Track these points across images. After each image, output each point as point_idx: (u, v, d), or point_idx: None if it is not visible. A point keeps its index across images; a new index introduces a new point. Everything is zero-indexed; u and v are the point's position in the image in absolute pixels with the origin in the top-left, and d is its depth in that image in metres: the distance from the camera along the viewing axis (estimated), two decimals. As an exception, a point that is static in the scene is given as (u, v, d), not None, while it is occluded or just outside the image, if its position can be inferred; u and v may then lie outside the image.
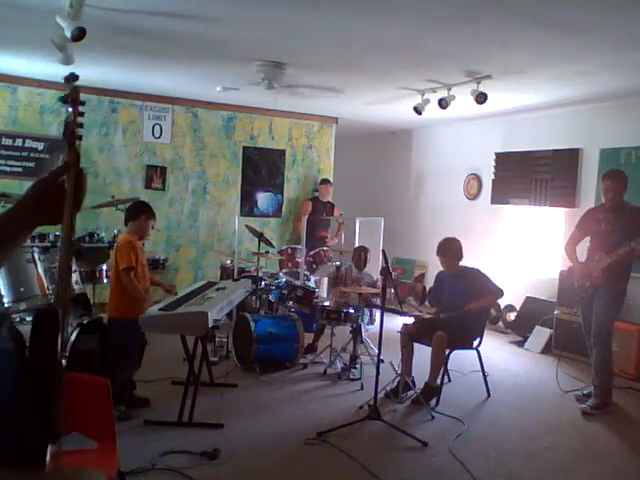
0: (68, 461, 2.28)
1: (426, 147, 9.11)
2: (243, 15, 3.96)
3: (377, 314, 6.05)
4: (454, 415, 4.26)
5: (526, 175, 7.13)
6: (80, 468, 1.79)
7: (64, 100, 1.37)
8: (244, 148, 7.99)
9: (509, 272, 7.23)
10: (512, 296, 6.98)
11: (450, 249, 4.82)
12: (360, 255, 6.04)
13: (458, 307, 4.60)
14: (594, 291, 4.49)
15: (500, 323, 7.22)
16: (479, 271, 4.82)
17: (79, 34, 3.49)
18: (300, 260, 6.83)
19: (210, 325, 3.69)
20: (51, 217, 1.31)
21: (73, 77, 1.41)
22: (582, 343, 4.92)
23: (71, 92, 1.37)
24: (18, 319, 3.70)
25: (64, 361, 3.84)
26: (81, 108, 1.38)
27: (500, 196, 7.57)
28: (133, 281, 3.99)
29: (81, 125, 1.37)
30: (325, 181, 8.15)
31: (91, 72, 6.09)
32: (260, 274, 5.71)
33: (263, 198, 8.19)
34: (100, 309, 5.82)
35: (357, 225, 7.74)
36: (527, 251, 7.29)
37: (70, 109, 1.36)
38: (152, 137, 7.41)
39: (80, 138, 1.36)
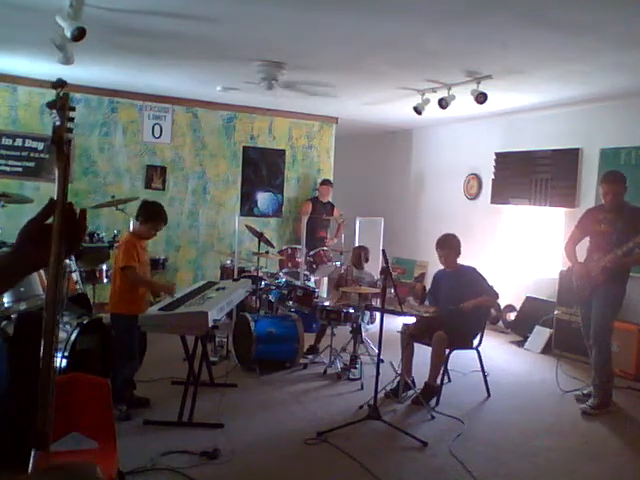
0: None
1: (426, 147, 9.11)
2: (243, 15, 3.96)
3: (377, 314, 6.05)
4: (454, 415, 4.26)
5: (526, 175, 7.13)
6: (70, 463, 1.77)
7: (51, 106, 1.33)
8: (244, 148, 7.99)
9: (509, 272, 7.23)
10: (512, 296, 6.99)
11: (449, 243, 4.85)
12: (359, 254, 6.05)
13: (455, 304, 4.61)
14: (593, 291, 4.49)
15: (500, 323, 7.22)
16: (475, 270, 4.83)
17: (79, 34, 3.48)
18: (300, 260, 6.83)
19: (210, 325, 3.70)
20: (44, 261, 1.24)
21: (61, 83, 1.37)
22: (582, 343, 4.92)
23: (60, 99, 1.33)
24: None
25: (64, 361, 3.82)
26: (74, 112, 1.35)
27: (500, 196, 7.57)
28: (136, 275, 4.02)
29: (70, 130, 1.34)
30: (326, 182, 8.15)
31: (91, 72, 6.09)
32: (260, 274, 5.71)
33: (263, 198, 8.18)
34: (100, 309, 5.82)
35: (357, 225, 7.75)
36: (527, 251, 7.29)
37: (58, 115, 1.32)
38: (152, 137, 7.41)
39: (69, 143, 1.32)
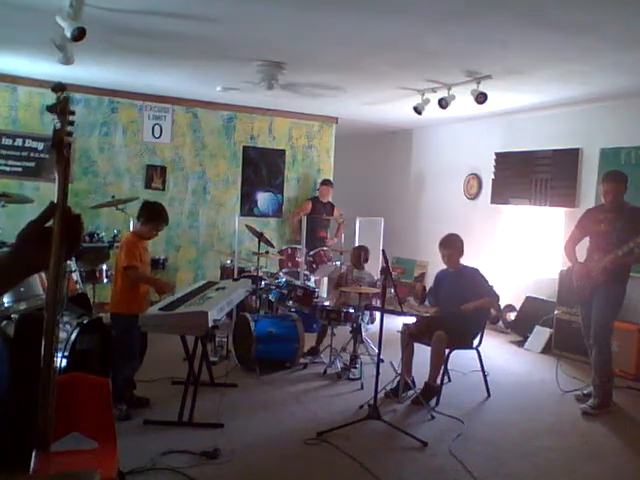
0: (66, 462, 2.28)
1: (426, 147, 9.11)
2: (243, 15, 3.96)
3: (377, 313, 6.05)
4: (454, 415, 4.26)
5: (526, 175, 7.13)
6: (72, 472, 1.77)
7: (51, 110, 1.33)
8: (244, 148, 7.99)
9: (509, 272, 7.23)
10: (512, 296, 6.99)
11: (453, 243, 4.85)
12: (359, 254, 6.04)
13: (456, 305, 4.61)
14: (593, 291, 4.49)
15: (500, 323, 7.22)
16: (478, 271, 4.83)
17: (79, 34, 3.48)
18: (300, 260, 6.83)
19: (210, 325, 3.70)
20: (44, 263, 1.26)
21: (60, 87, 1.36)
22: (582, 343, 4.92)
23: (60, 103, 1.33)
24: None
25: (64, 361, 3.82)
26: (75, 109, 1.35)
27: (500, 196, 7.57)
28: (139, 274, 4.04)
29: (70, 134, 1.34)
30: (326, 182, 8.13)
31: (91, 72, 6.09)
32: (260, 274, 5.70)
33: (263, 198, 8.19)
34: (100, 309, 5.81)
35: (357, 225, 7.74)
36: (527, 251, 7.29)
37: (58, 119, 1.32)
38: (152, 137, 7.41)
39: (69, 146, 1.32)
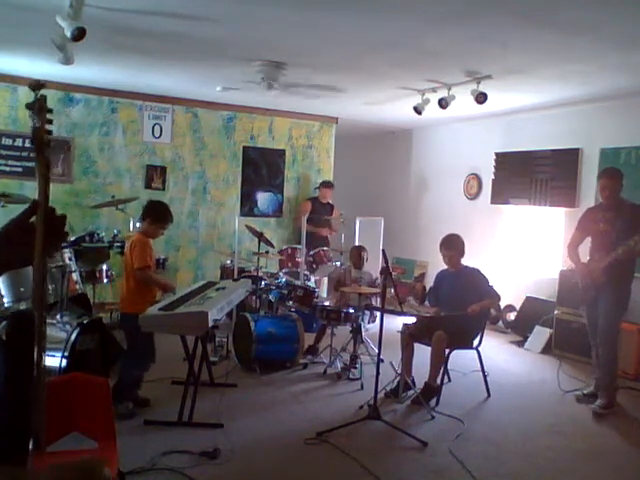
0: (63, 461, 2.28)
1: (426, 147, 9.11)
2: (243, 15, 3.96)
3: (377, 313, 6.04)
4: (454, 415, 4.26)
5: (526, 175, 7.13)
6: (80, 460, 1.75)
7: (29, 108, 1.32)
8: (244, 148, 7.99)
9: (509, 272, 7.23)
10: (512, 296, 6.99)
11: (454, 244, 4.85)
12: (359, 254, 6.04)
13: (456, 305, 4.61)
14: (597, 291, 4.49)
15: (500, 323, 7.22)
16: (479, 271, 4.83)
17: (79, 34, 3.49)
18: (300, 260, 6.83)
19: (210, 325, 3.70)
20: (23, 260, 1.27)
21: (38, 85, 1.35)
22: (582, 343, 4.93)
23: (37, 102, 1.32)
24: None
25: (64, 361, 3.82)
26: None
27: (500, 196, 7.57)
28: (150, 275, 4.07)
29: (49, 132, 1.33)
30: (327, 185, 8.08)
31: (91, 72, 6.09)
32: (260, 274, 5.70)
33: (263, 198, 8.19)
34: (100, 309, 5.82)
35: (357, 225, 7.74)
36: (527, 251, 7.29)
37: (36, 117, 1.31)
38: (152, 137, 7.41)
39: (48, 144, 1.31)
